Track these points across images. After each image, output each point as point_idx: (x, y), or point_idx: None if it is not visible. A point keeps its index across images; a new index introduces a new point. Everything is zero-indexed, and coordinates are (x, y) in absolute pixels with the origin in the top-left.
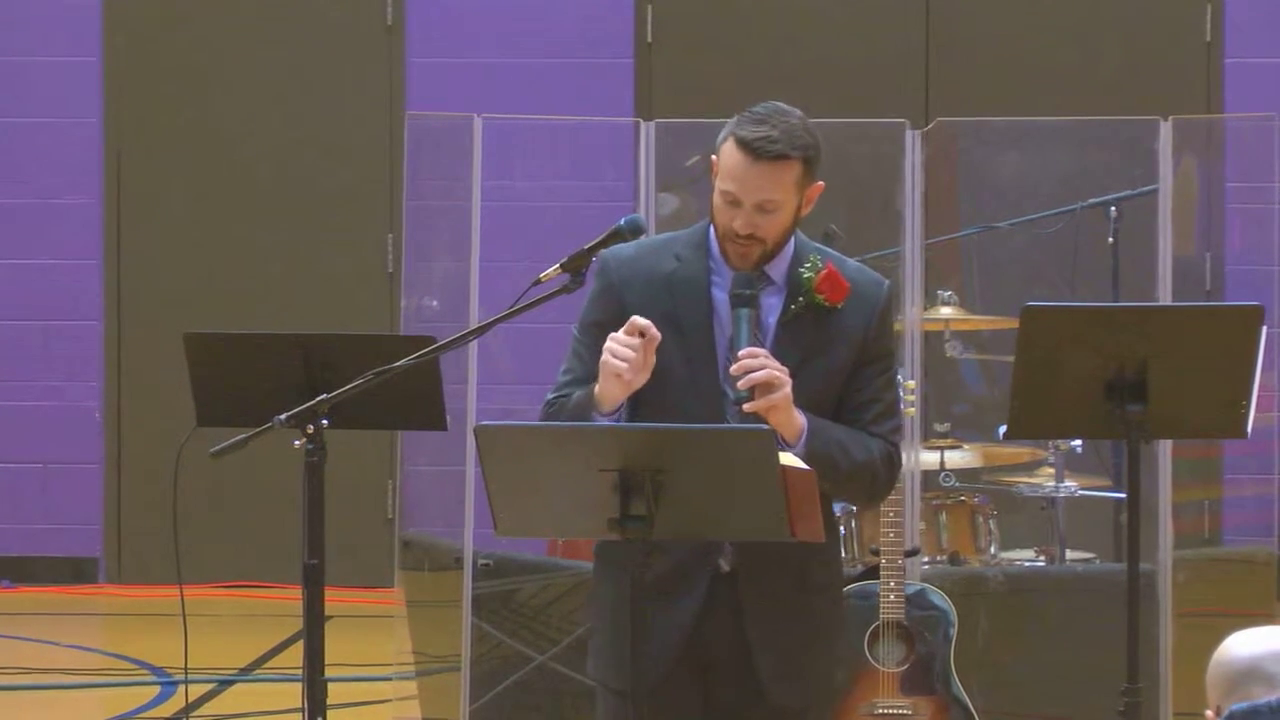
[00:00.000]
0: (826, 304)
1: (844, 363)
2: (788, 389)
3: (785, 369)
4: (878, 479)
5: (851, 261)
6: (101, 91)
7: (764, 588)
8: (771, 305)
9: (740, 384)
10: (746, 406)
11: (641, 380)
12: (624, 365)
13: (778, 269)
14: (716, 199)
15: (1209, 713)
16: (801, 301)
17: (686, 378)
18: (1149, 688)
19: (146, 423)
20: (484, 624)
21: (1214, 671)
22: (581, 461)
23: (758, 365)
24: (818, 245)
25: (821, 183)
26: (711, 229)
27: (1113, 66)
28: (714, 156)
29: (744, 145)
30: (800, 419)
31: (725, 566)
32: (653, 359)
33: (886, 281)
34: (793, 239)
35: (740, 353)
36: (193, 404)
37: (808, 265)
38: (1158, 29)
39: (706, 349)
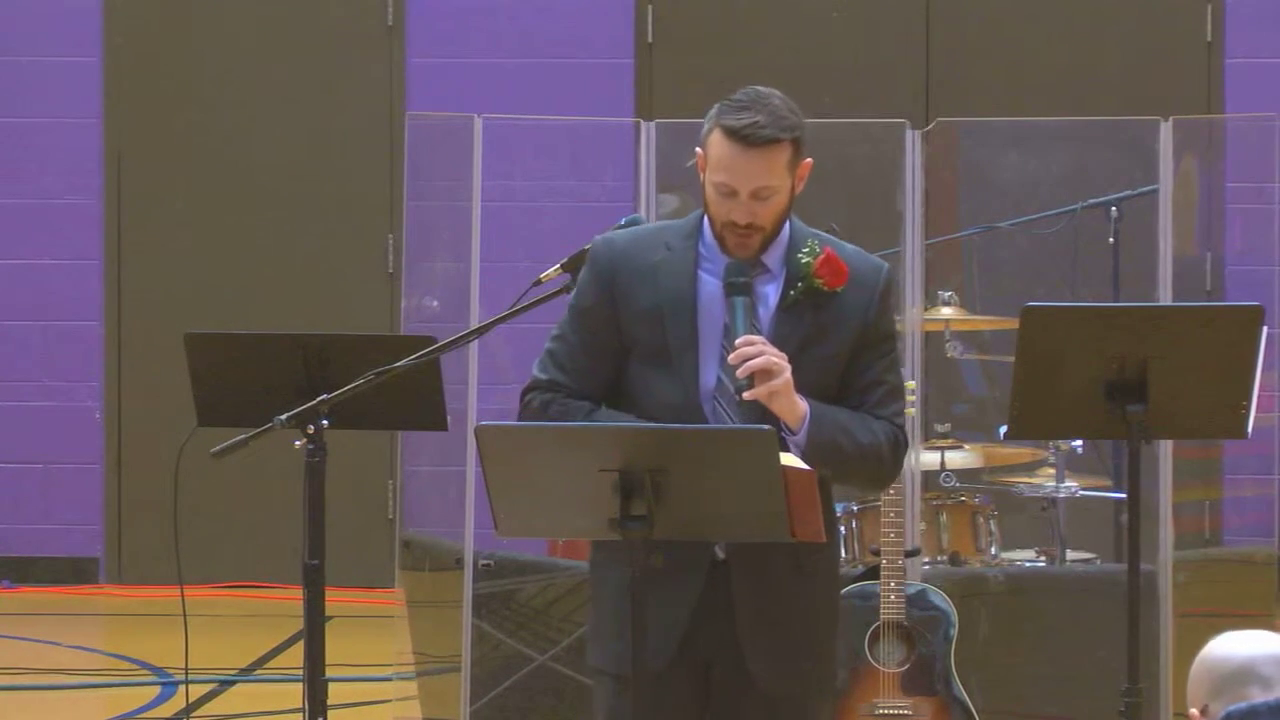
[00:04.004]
0: (826, 289)
1: (844, 347)
2: (787, 374)
3: (784, 354)
4: (884, 462)
5: (849, 246)
6: (101, 92)
7: (757, 575)
8: (767, 293)
9: (739, 372)
10: (747, 394)
11: None
12: None
13: (773, 255)
14: (710, 192)
15: (1194, 711)
16: (801, 287)
17: (666, 365)
18: (1149, 688)
19: (147, 423)
20: (484, 624)
21: (1201, 672)
22: (582, 462)
23: (755, 352)
24: (814, 230)
25: (810, 159)
26: (705, 219)
27: (1113, 66)
28: (699, 150)
29: (732, 134)
30: (802, 404)
31: (720, 554)
32: None
33: (885, 265)
34: (788, 224)
35: (737, 340)
36: (193, 404)
37: (806, 250)
38: (1158, 29)
39: (689, 336)
